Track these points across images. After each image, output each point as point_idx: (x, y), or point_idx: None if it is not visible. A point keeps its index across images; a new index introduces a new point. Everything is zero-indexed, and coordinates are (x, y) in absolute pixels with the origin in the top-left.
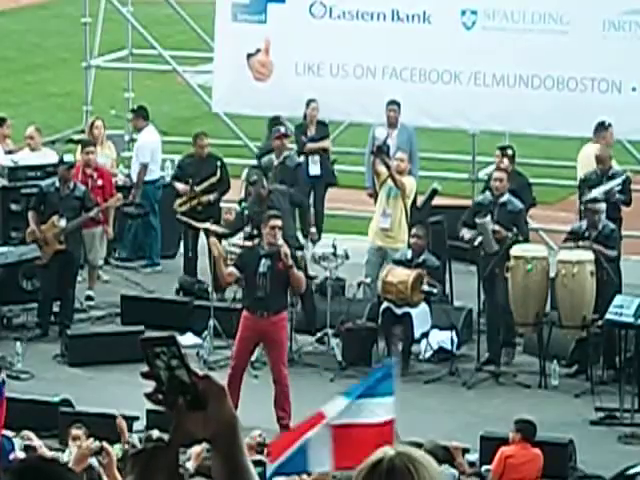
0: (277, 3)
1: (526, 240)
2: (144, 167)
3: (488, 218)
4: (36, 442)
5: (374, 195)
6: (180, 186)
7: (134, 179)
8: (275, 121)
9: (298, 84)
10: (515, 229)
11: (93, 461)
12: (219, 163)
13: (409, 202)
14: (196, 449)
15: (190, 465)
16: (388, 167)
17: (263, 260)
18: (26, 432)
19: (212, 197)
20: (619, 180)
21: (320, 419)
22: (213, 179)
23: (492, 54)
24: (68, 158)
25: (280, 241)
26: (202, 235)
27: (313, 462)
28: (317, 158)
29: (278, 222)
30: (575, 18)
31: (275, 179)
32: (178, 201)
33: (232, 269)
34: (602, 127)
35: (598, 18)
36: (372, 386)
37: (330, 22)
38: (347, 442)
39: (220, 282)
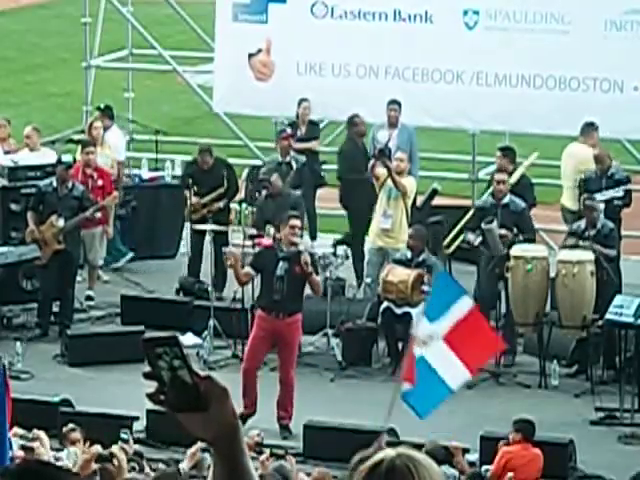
0: (278, 3)
1: (532, 240)
2: (121, 165)
3: (494, 224)
4: (45, 442)
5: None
6: (194, 199)
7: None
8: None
9: (300, 84)
10: (515, 229)
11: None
12: (225, 172)
13: (409, 202)
14: (191, 449)
15: (185, 465)
16: (389, 170)
17: (281, 263)
18: (37, 431)
19: (222, 204)
20: (620, 192)
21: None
22: (222, 189)
23: (494, 54)
24: (66, 158)
25: (302, 246)
26: (208, 237)
27: (451, 381)
28: (303, 158)
29: (297, 222)
30: (576, 18)
31: (293, 181)
32: (188, 209)
33: (248, 269)
34: (590, 127)
35: (599, 18)
36: (444, 300)
37: (332, 22)
38: (464, 342)
39: (238, 282)
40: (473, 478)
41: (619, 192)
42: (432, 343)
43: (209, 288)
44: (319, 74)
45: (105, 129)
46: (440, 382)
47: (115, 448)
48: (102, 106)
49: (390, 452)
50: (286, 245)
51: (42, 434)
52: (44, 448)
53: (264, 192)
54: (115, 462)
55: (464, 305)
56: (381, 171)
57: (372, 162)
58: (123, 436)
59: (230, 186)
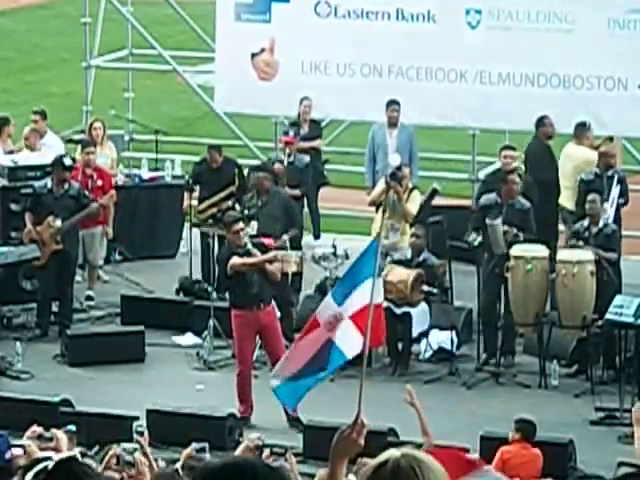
0: (281, 2)
1: (534, 240)
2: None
3: (499, 220)
4: (63, 441)
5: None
6: (191, 202)
7: None
8: None
9: (304, 83)
10: (522, 230)
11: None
12: (237, 170)
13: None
14: (186, 450)
15: (179, 466)
16: (399, 196)
17: (245, 258)
18: (55, 430)
19: (231, 202)
20: (617, 189)
21: (316, 325)
22: (232, 187)
23: (497, 53)
24: (68, 162)
25: (249, 245)
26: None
27: (347, 350)
28: (307, 158)
29: (240, 225)
30: (580, 17)
31: (291, 180)
32: (198, 208)
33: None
34: (583, 127)
35: (603, 17)
36: (355, 278)
37: (335, 21)
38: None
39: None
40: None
41: (617, 190)
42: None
43: (209, 288)
44: (324, 73)
45: (42, 135)
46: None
47: (136, 455)
48: (38, 109)
49: (395, 452)
50: (234, 247)
51: (60, 433)
52: (62, 448)
53: (252, 191)
54: (135, 470)
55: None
56: (378, 192)
57: (378, 188)
58: (139, 429)
59: (240, 185)
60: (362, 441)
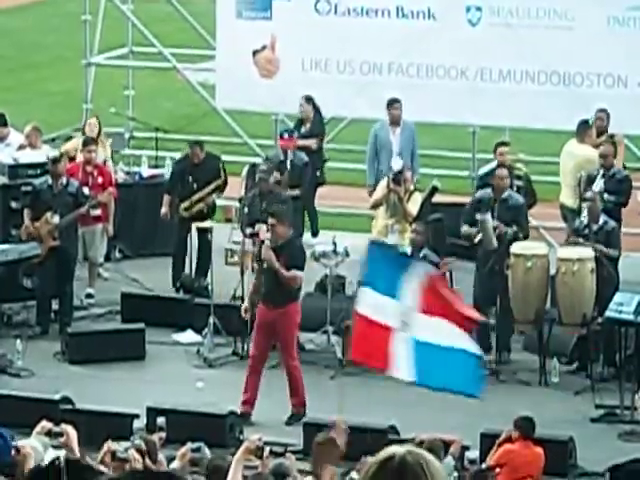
0: (282, 0)
1: (526, 237)
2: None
3: (488, 215)
4: (73, 437)
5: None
6: (164, 210)
7: None
8: None
9: (304, 80)
10: (514, 226)
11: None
12: (222, 165)
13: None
14: (181, 450)
15: (176, 465)
16: (400, 198)
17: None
18: (64, 426)
19: (215, 197)
20: (601, 184)
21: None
22: (219, 181)
23: (498, 50)
24: (52, 153)
25: (267, 241)
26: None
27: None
28: (306, 157)
29: (271, 220)
30: (580, 14)
31: (290, 180)
32: (183, 205)
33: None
34: (585, 125)
35: (603, 14)
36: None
37: (335, 19)
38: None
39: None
40: (476, 476)
41: (599, 185)
42: (411, 321)
43: (209, 286)
44: (324, 71)
45: (2, 138)
46: (460, 352)
47: (130, 452)
48: None
49: (399, 449)
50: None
51: (69, 428)
52: (72, 444)
53: (253, 190)
54: (129, 467)
55: (419, 270)
56: (379, 196)
57: (380, 192)
58: (137, 441)
59: (226, 179)
60: (343, 445)
